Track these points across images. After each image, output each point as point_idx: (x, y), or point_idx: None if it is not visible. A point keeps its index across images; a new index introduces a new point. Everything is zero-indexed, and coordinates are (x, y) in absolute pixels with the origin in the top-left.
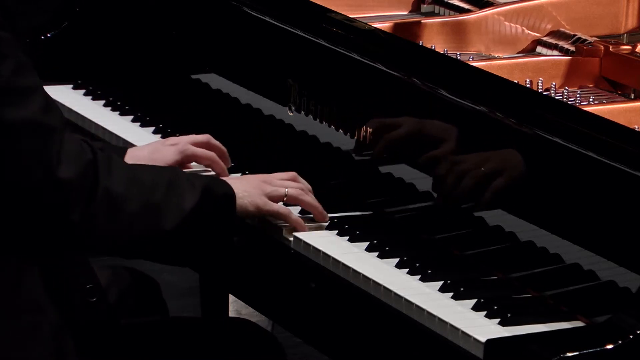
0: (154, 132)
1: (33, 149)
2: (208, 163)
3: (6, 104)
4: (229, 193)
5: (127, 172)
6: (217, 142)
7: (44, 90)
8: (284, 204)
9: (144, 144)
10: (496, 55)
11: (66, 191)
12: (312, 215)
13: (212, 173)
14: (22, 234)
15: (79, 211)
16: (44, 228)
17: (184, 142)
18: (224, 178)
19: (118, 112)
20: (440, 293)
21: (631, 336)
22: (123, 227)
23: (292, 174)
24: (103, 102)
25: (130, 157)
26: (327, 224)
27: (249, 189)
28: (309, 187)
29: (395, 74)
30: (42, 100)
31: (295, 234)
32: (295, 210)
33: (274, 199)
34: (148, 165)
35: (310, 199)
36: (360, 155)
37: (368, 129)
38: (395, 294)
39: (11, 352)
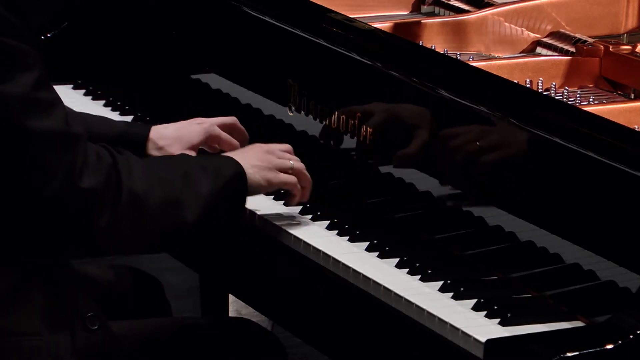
0: None
1: (58, 158)
2: (230, 150)
3: (32, 114)
4: (239, 171)
5: (146, 170)
6: (242, 127)
7: (64, 104)
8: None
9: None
10: (496, 55)
11: (91, 199)
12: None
13: None
14: (45, 239)
15: (107, 217)
16: (70, 235)
17: (210, 123)
18: (229, 154)
19: (118, 112)
20: (440, 293)
21: (631, 336)
22: (148, 225)
23: (288, 146)
24: (103, 102)
25: (156, 135)
26: (299, 208)
27: (257, 162)
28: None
29: (395, 74)
30: (63, 113)
31: (295, 233)
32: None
33: (282, 169)
34: (162, 158)
35: (309, 176)
36: (360, 155)
37: (368, 128)
38: (395, 294)
39: None
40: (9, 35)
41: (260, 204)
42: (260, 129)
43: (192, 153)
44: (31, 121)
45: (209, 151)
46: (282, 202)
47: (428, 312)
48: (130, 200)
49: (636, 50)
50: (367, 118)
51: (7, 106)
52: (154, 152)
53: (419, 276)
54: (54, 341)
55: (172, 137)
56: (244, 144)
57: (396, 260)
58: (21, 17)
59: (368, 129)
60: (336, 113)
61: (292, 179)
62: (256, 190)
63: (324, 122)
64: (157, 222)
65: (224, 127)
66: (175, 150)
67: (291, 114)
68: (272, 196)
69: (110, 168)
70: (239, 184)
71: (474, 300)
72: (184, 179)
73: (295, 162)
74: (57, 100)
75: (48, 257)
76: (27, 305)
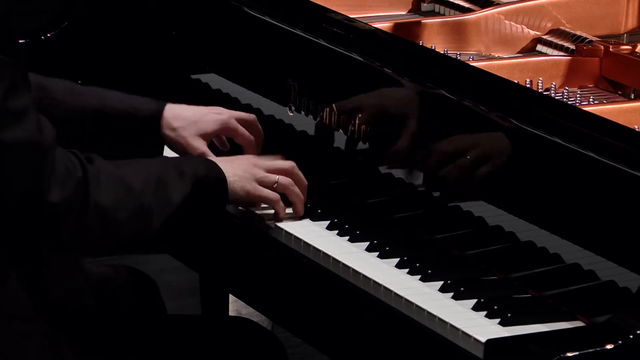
0: None
1: (25, 169)
2: (244, 144)
3: (1, 125)
4: (221, 177)
5: (117, 182)
6: (260, 127)
7: (35, 109)
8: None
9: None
10: (496, 55)
11: (56, 213)
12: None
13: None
14: (12, 236)
15: (70, 229)
16: (35, 240)
17: (229, 115)
18: (216, 160)
19: None
20: (441, 293)
21: (631, 336)
22: (113, 235)
23: (291, 163)
24: None
25: (171, 114)
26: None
27: (240, 172)
28: (305, 182)
29: (396, 74)
30: (35, 120)
31: (295, 233)
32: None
33: (264, 184)
34: (137, 164)
35: (297, 191)
36: (360, 156)
37: (368, 128)
38: (396, 294)
39: None
40: None
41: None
42: None
43: (202, 141)
44: (1, 132)
45: (217, 145)
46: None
47: (428, 312)
48: (96, 213)
49: (636, 50)
50: (367, 118)
51: None
52: (167, 132)
53: (419, 276)
54: (46, 323)
55: (189, 120)
56: (259, 141)
57: (396, 260)
58: None
59: (368, 128)
60: (336, 113)
61: (272, 195)
62: (234, 200)
63: (323, 122)
64: (124, 232)
65: (242, 122)
66: (189, 134)
67: (291, 114)
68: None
69: (79, 181)
70: (219, 191)
71: (474, 300)
72: (157, 186)
73: (283, 178)
74: (28, 108)
75: (18, 250)
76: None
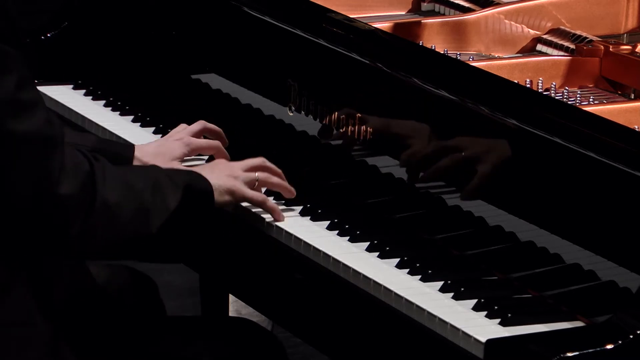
0: (154, 132)
1: (37, 161)
2: (213, 153)
3: (12, 117)
4: (208, 189)
5: (120, 179)
6: (212, 126)
7: (44, 104)
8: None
9: (148, 143)
10: (496, 55)
11: (66, 207)
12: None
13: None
14: (19, 238)
15: (78, 226)
16: (42, 239)
17: (186, 136)
18: (198, 170)
19: (118, 112)
20: (441, 293)
21: (631, 336)
22: (118, 233)
23: (261, 159)
24: (103, 102)
25: (140, 153)
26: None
27: (223, 177)
28: (279, 170)
29: (396, 74)
30: (44, 113)
31: (295, 233)
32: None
33: (247, 184)
34: (135, 167)
35: (277, 179)
36: (360, 156)
37: (368, 129)
38: (396, 294)
39: None
40: None
41: None
42: (260, 129)
43: (177, 164)
44: (12, 124)
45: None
46: (282, 202)
47: (428, 312)
48: (103, 209)
49: (636, 50)
50: (368, 118)
51: None
52: None
53: (419, 276)
54: (47, 326)
55: (154, 153)
56: (221, 139)
57: (396, 260)
58: (1, 18)
59: (368, 129)
60: (336, 113)
61: (257, 196)
62: (221, 204)
63: (323, 122)
64: (125, 231)
65: (196, 135)
66: (162, 164)
67: (291, 114)
68: (272, 197)
69: (87, 176)
70: (206, 200)
71: (474, 300)
72: (154, 191)
73: (261, 173)
74: (38, 100)
75: (23, 254)
76: (18, 295)
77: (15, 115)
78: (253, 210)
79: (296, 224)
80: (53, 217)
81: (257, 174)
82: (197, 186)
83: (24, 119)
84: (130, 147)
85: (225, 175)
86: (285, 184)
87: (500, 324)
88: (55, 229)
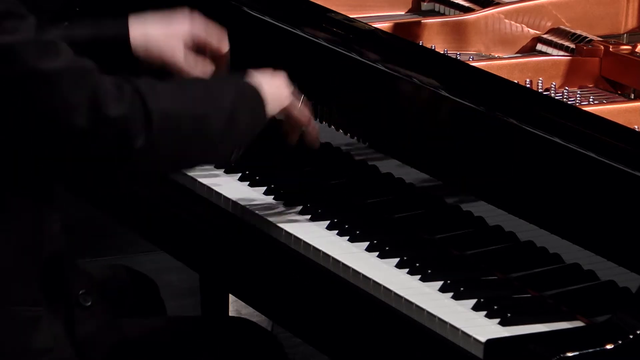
0: None
1: (79, 92)
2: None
3: (41, 56)
4: (255, 85)
5: (169, 88)
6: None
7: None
8: None
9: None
10: (496, 55)
11: (123, 126)
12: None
13: None
14: (82, 172)
15: (142, 138)
16: (109, 162)
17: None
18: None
19: None
20: (440, 293)
21: (631, 336)
22: (181, 141)
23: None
24: None
25: (143, 37)
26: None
27: (277, 84)
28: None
29: (396, 74)
30: (69, 49)
31: (295, 233)
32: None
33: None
34: (183, 79)
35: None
36: (360, 155)
37: (368, 128)
38: (395, 294)
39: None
40: None
41: (260, 204)
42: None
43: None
44: (44, 63)
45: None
46: (283, 202)
47: (428, 312)
48: (161, 119)
49: (636, 50)
50: (367, 118)
51: (18, 54)
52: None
53: (419, 276)
54: (53, 314)
55: (165, 35)
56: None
57: (396, 260)
58: None
59: (368, 128)
60: (336, 113)
61: (305, 115)
62: (273, 110)
63: (323, 122)
64: (187, 137)
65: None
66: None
67: None
68: (273, 196)
69: (133, 93)
70: (258, 97)
71: (474, 300)
72: (206, 93)
73: (304, 100)
74: (58, 38)
75: (88, 183)
76: (26, 277)
77: (44, 54)
78: (253, 210)
79: (296, 224)
80: (114, 139)
81: (302, 97)
82: (247, 87)
83: (53, 56)
84: (124, 24)
85: (278, 84)
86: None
87: (500, 323)
88: (120, 148)
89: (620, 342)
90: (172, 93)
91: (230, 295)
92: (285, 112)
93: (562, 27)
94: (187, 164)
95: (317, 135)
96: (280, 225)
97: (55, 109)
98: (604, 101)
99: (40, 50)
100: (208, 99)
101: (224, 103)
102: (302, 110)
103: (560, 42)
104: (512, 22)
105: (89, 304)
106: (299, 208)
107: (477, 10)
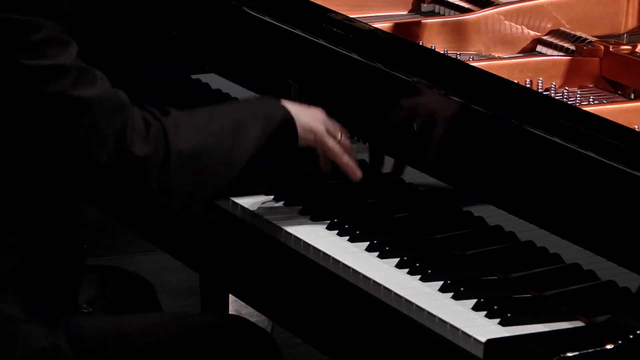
0: None
1: (110, 123)
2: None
3: (80, 84)
4: (289, 119)
5: (194, 127)
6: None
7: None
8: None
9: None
10: (496, 55)
11: (144, 166)
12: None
13: None
14: (98, 199)
15: (157, 180)
16: (123, 195)
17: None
18: (288, 105)
19: None
20: (440, 293)
21: (631, 336)
22: (200, 178)
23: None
24: None
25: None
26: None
27: (310, 117)
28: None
29: (395, 74)
30: (107, 80)
31: (295, 233)
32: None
33: (329, 133)
34: (212, 108)
35: (348, 159)
36: (360, 155)
37: (368, 128)
38: (395, 294)
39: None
40: (48, 16)
41: (261, 204)
42: None
43: None
44: (82, 90)
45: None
46: (283, 202)
47: (428, 312)
48: (179, 160)
49: (636, 50)
50: (367, 118)
51: (59, 79)
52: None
53: (419, 276)
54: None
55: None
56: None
57: (396, 260)
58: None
59: (368, 128)
60: (336, 113)
61: (337, 148)
62: (304, 140)
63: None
64: (208, 173)
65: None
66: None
67: None
68: (273, 196)
69: (158, 132)
70: (288, 129)
71: (474, 300)
72: (235, 127)
73: (345, 137)
74: (96, 70)
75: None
76: (23, 290)
77: (83, 82)
78: (253, 210)
79: (296, 224)
80: (132, 177)
81: (341, 135)
82: (278, 116)
83: (91, 84)
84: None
85: (313, 117)
86: (354, 165)
87: (500, 323)
88: (136, 186)
89: (620, 342)
90: (199, 131)
91: (230, 295)
92: (319, 144)
93: (562, 28)
94: (204, 195)
95: (354, 169)
96: (280, 225)
97: (83, 137)
98: (604, 101)
99: (79, 76)
100: (236, 132)
101: (250, 136)
102: (336, 145)
103: (560, 43)
104: (512, 24)
105: (89, 306)
106: (299, 208)
107: (477, 11)
